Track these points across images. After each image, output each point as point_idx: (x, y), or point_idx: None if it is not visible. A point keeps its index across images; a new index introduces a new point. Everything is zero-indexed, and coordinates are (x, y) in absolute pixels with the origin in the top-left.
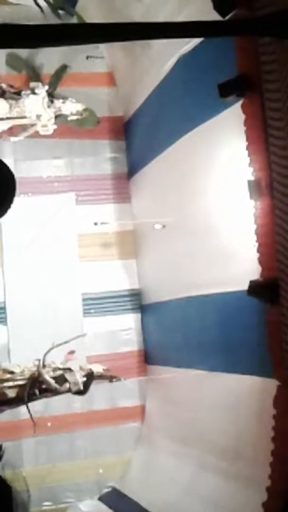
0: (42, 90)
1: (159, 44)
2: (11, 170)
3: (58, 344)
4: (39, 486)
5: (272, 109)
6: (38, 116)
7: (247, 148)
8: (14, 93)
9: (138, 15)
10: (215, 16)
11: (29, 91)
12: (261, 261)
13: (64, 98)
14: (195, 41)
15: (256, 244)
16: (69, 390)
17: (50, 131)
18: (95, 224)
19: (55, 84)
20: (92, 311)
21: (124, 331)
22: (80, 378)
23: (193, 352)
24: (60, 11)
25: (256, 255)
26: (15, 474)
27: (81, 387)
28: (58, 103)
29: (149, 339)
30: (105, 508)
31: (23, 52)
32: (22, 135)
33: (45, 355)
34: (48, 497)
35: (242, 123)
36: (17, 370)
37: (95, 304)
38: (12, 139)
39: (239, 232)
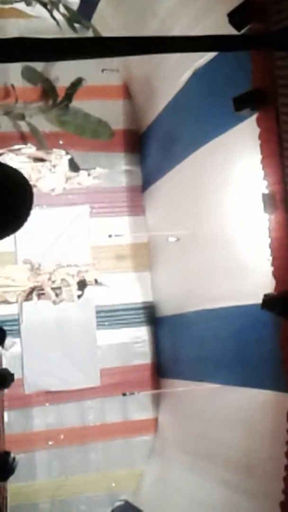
0: (62, 168)
1: (174, 58)
2: (28, 180)
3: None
4: (52, 499)
5: (287, 123)
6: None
7: (262, 161)
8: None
9: (153, 28)
10: (230, 30)
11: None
12: (275, 275)
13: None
14: (210, 54)
15: (270, 258)
16: (62, 300)
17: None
18: (110, 236)
19: (71, 97)
20: (105, 323)
21: (137, 343)
22: (75, 292)
23: (206, 365)
24: (76, 25)
25: (270, 268)
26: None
27: (75, 300)
28: (75, 178)
29: (163, 352)
30: None
31: (38, 65)
32: None
33: (53, 271)
34: (61, 510)
35: (256, 136)
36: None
37: (109, 317)
38: None
39: (253, 246)
